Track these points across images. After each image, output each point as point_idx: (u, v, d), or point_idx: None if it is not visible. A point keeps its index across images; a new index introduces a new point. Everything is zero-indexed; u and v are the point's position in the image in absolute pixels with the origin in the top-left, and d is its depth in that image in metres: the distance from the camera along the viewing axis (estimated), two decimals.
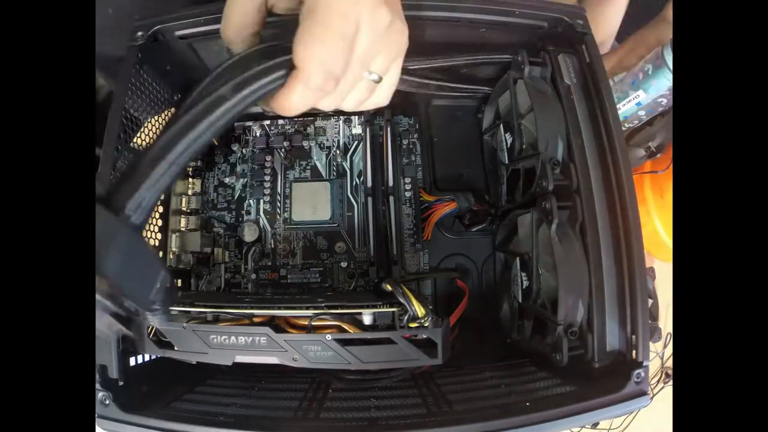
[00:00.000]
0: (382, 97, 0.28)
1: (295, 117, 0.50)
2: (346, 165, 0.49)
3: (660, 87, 0.49)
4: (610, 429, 0.61)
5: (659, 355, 0.64)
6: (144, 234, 0.38)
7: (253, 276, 0.47)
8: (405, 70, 0.40)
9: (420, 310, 0.30)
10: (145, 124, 0.38)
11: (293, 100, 0.24)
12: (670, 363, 0.65)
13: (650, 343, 0.31)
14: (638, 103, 0.52)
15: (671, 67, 0.48)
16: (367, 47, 0.24)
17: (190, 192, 0.47)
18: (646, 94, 0.50)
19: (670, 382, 0.64)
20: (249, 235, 0.47)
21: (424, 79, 0.41)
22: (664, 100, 0.51)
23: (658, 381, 0.65)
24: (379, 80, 0.27)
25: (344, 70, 0.24)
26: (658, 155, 0.53)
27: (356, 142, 0.50)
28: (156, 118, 0.41)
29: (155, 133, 0.40)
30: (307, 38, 0.23)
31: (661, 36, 0.51)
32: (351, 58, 0.24)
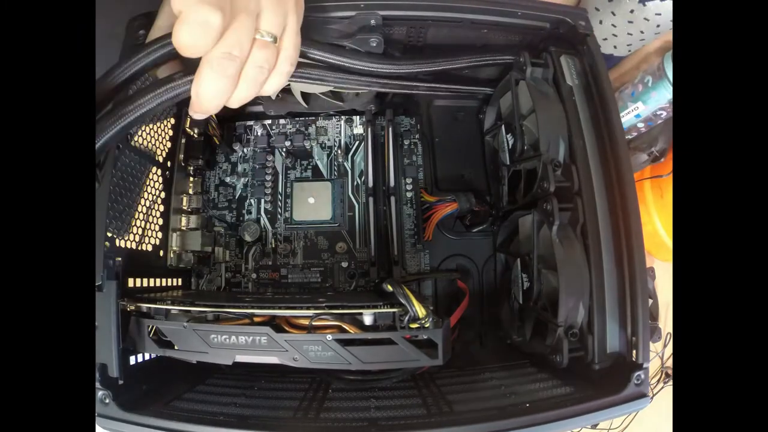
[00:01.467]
0: (286, 65, 0.27)
1: (290, 116, 0.50)
2: (348, 165, 0.49)
3: (660, 99, 0.49)
4: (609, 429, 0.62)
5: (659, 354, 0.64)
6: (144, 233, 0.38)
7: (254, 275, 0.47)
8: (412, 77, 0.40)
9: (421, 311, 0.30)
10: (145, 122, 0.38)
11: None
12: (670, 363, 0.65)
13: (650, 343, 0.31)
14: (637, 115, 0.52)
15: (671, 78, 0.48)
16: None
17: (191, 191, 0.47)
18: (645, 105, 0.50)
19: (670, 382, 0.64)
20: (250, 234, 0.47)
21: (429, 83, 0.41)
22: (664, 113, 0.51)
23: (658, 381, 0.65)
24: (275, 41, 0.25)
25: (225, 21, 0.23)
26: (662, 159, 0.53)
27: (358, 142, 0.50)
28: (155, 115, 0.41)
29: (155, 131, 0.40)
30: None
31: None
32: (227, 6, 0.23)
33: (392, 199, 0.45)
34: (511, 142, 0.41)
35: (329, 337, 0.30)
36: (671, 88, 0.47)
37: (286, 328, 0.31)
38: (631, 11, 0.48)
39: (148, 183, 0.39)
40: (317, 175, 0.49)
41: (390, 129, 0.47)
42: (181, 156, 0.45)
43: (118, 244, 0.33)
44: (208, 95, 0.25)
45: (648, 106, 0.50)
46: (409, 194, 0.48)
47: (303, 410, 0.32)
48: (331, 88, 0.44)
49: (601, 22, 0.52)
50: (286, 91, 0.45)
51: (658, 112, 0.50)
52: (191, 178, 0.47)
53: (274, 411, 0.32)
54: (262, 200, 0.49)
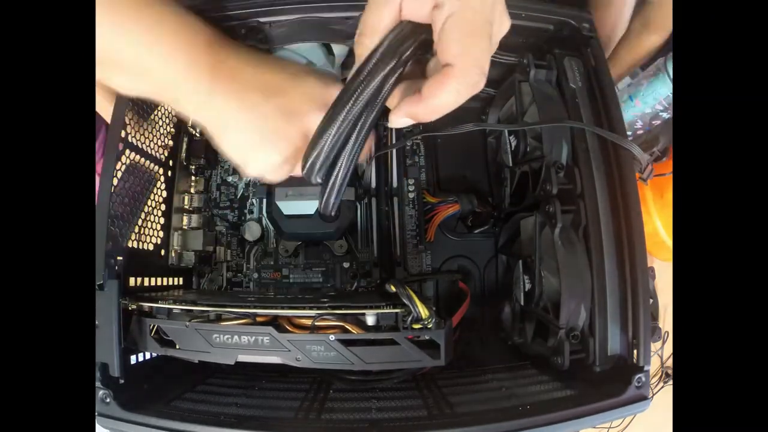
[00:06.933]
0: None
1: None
2: None
3: (657, 94, 0.49)
4: (609, 428, 0.61)
5: (658, 353, 0.64)
6: (145, 232, 0.38)
7: (255, 275, 0.47)
8: None
9: (424, 312, 0.30)
10: (147, 121, 0.38)
11: (447, 98, 0.24)
12: (670, 362, 0.65)
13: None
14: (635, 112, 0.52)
15: (671, 75, 0.48)
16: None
17: (192, 190, 0.47)
18: (643, 103, 0.51)
19: (670, 382, 0.64)
20: (251, 234, 0.47)
21: None
22: (666, 114, 0.51)
23: (659, 380, 0.65)
24: None
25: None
26: (664, 159, 0.53)
27: None
28: (156, 114, 0.40)
29: (157, 130, 0.40)
30: (461, 37, 0.23)
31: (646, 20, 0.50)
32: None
33: (395, 200, 0.45)
34: (513, 144, 0.41)
35: (332, 337, 0.30)
36: (671, 84, 0.48)
37: (289, 328, 0.31)
38: None
39: (150, 182, 0.39)
40: None
41: (393, 130, 0.46)
42: (183, 155, 0.45)
43: (119, 244, 0.33)
44: (450, 103, 0.25)
45: (646, 102, 0.50)
46: (411, 195, 0.48)
47: (304, 410, 0.32)
48: None
49: None
50: None
51: (659, 111, 0.50)
52: (193, 177, 0.47)
53: (275, 411, 0.32)
54: (264, 200, 0.48)
